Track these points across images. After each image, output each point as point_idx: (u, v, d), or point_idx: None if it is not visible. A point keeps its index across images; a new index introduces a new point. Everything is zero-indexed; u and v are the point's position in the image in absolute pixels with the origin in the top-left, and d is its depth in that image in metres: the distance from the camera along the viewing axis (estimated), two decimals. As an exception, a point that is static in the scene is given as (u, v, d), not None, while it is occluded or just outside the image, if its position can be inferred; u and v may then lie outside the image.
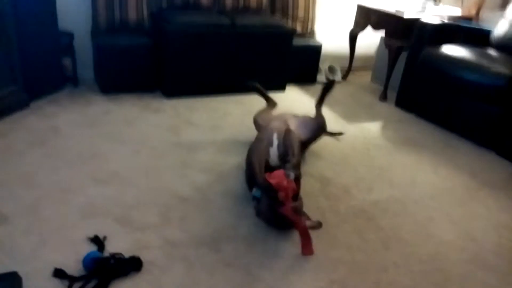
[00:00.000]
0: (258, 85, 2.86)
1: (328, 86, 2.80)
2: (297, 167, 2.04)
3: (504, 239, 2.04)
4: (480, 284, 1.75)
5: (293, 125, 2.45)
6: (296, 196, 1.87)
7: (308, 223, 1.94)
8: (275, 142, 2.17)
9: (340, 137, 2.96)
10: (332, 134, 2.94)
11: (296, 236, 1.88)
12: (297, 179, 1.90)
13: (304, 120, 2.55)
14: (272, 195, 1.77)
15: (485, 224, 2.14)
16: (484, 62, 2.98)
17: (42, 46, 2.93)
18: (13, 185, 2.06)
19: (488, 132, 2.96)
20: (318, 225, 1.95)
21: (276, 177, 1.79)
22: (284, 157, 2.08)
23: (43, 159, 2.30)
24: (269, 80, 3.62)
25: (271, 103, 2.83)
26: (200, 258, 1.73)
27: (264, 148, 2.16)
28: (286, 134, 2.20)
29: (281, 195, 1.75)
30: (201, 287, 1.59)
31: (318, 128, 2.58)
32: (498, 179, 2.60)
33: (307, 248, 1.77)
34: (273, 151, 2.14)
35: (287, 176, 1.83)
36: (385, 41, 3.79)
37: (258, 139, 2.28)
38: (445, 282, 1.73)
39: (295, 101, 3.53)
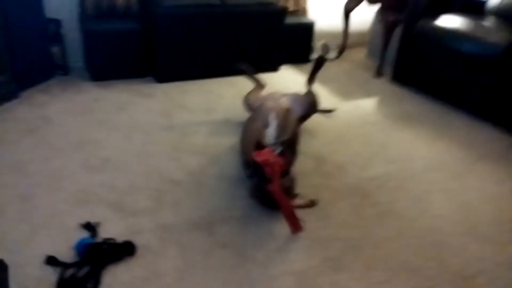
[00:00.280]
0: (247, 67, 2.82)
1: (319, 62, 2.75)
2: (288, 144, 2.01)
3: (501, 211, 2.02)
4: (476, 255, 1.74)
5: (285, 104, 2.42)
6: (285, 173, 1.84)
7: (301, 202, 1.93)
8: (273, 123, 2.13)
9: (335, 114, 2.92)
10: (324, 112, 2.90)
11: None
12: (285, 154, 1.87)
13: (295, 97, 2.52)
14: (259, 172, 1.75)
15: (481, 196, 2.13)
16: (480, 32, 2.93)
17: (29, 35, 2.88)
18: (4, 174, 2.05)
19: (484, 103, 2.92)
20: (311, 204, 1.94)
21: (263, 155, 1.77)
22: (282, 140, 2.03)
23: (35, 148, 2.28)
24: (261, 61, 3.58)
25: (259, 85, 2.79)
26: (193, 241, 1.72)
27: (257, 129, 2.13)
28: (286, 114, 2.16)
29: (268, 170, 1.72)
30: (196, 269, 1.58)
31: (310, 104, 2.54)
32: (495, 150, 2.57)
33: (294, 226, 1.76)
34: (270, 132, 2.10)
35: (273, 151, 1.80)
36: (380, 15, 3.73)
37: (251, 119, 2.25)
38: (441, 255, 1.72)
39: (289, 81, 3.48)
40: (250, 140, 2.04)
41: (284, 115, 2.17)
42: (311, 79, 2.74)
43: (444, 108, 3.13)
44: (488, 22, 3.11)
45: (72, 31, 3.28)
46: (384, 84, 3.58)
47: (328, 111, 2.93)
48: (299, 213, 1.85)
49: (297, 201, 1.93)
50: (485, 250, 1.77)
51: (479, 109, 2.97)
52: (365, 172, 2.27)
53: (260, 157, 1.76)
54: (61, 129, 2.49)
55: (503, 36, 2.82)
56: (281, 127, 2.11)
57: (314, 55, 4.06)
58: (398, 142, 2.61)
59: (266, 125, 2.14)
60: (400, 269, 1.64)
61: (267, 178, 1.74)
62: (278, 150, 1.84)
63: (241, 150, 2.14)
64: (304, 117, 2.51)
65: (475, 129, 2.84)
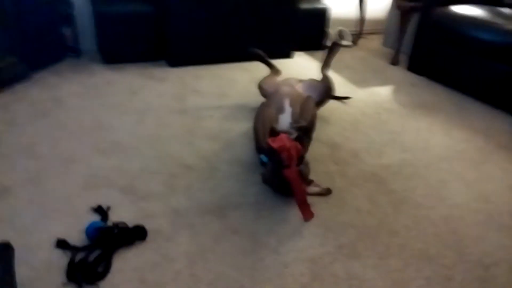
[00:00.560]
0: (260, 52, 2.76)
1: (333, 48, 2.69)
2: (305, 130, 1.97)
3: (520, 201, 1.97)
4: (496, 245, 1.68)
5: (300, 90, 2.38)
6: (301, 159, 1.80)
7: (316, 189, 1.89)
8: (288, 109, 2.09)
9: (350, 101, 2.87)
10: (339, 98, 2.85)
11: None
12: (301, 140, 1.83)
13: (310, 83, 2.47)
14: (276, 158, 1.71)
15: (499, 185, 2.07)
16: (498, 20, 2.85)
17: (41, 16, 2.86)
18: (15, 156, 2.04)
19: (502, 93, 2.84)
20: (327, 192, 1.91)
21: (279, 140, 1.73)
22: (298, 126, 1.99)
23: (46, 131, 2.26)
24: (275, 47, 3.53)
25: (274, 70, 2.74)
26: (205, 226, 1.69)
27: (271, 114, 2.09)
28: (307, 101, 2.12)
29: (284, 155, 1.68)
30: (207, 254, 1.56)
31: (325, 90, 2.49)
32: (514, 140, 2.51)
33: (306, 213, 1.71)
34: (285, 118, 2.06)
35: (289, 135, 1.76)
36: (397, 2, 3.64)
37: (265, 105, 2.21)
38: (459, 244, 1.68)
39: (302, 68, 3.43)
40: (263, 126, 2.00)
41: (302, 102, 2.13)
42: (325, 65, 2.68)
43: (461, 97, 3.05)
44: (506, 11, 3.01)
45: (84, 13, 3.26)
46: (400, 72, 3.51)
47: (345, 98, 2.88)
48: (314, 200, 1.82)
49: (313, 189, 1.89)
50: (504, 240, 1.72)
51: (496, 99, 2.90)
52: (380, 160, 2.22)
53: (276, 142, 1.72)
54: (73, 111, 2.47)
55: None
56: (296, 114, 2.07)
57: (329, 41, 4.00)
58: (413, 130, 2.55)
59: (280, 111, 2.10)
60: (416, 257, 1.60)
61: (282, 164, 1.70)
62: (294, 136, 1.80)
63: (254, 135, 2.10)
64: (320, 102, 2.46)
65: (492, 118, 2.77)
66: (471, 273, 1.54)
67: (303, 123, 1.98)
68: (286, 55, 3.65)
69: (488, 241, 1.71)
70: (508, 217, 1.85)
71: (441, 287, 1.48)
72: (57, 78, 2.88)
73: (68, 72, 2.99)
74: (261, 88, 2.54)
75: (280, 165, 1.71)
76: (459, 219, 1.82)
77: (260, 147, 1.93)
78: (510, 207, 1.91)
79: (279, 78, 2.67)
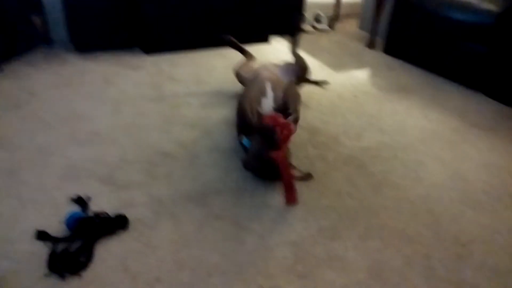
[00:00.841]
0: (232, 38, 2.74)
1: (297, 28, 2.69)
2: (295, 123, 1.98)
3: (494, 178, 2.02)
4: (471, 222, 1.74)
5: (277, 73, 2.38)
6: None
7: (298, 174, 1.90)
8: (270, 93, 2.09)
9: (328, 86, 2.88)
10: (317, 83, 2.87)
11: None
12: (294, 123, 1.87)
13: (285, 66, 2.48)
14: (269, 134, 1.71)
15: (475, 164, 2.12)
16: (472, 0, 2.88)
17: (9, 5, 2.76)
18: (-11, 150, 1.99)
19: (476, 73, 2.90)
20: (308, 177, 1.92)
21: (273, 118, 1.75)
22: (282, 111, 1.98)
23: (20, 122, 2.21)
24: (252, 32, 3.51)
25: (248, 56, 2.73)
26: (187, 213, 1.69)
27: (255, 96, 2.08)
28: (290, 88, 2.11)
29: (279, 130, 1.70)
30: (190, 241, 1.56)
31: (300, 69, 2.50)
32: (487, 120, 2.57)
33: (290, 198, 1.73)
34: (267, 102, 2.05)
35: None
36: (371, -16, 3.65)
37: (248, 88, 2.19)
38: (436, 223, 1.72)
39: (280, 52, 3.42)
40: (251, 107, 1.99)
41: (286, 89, 2.11)
42: (294, 46, 2.67)
43: (437, 79, 3.10)
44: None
45: (54, 0, 3.16)
46: (376, 55, 3.54)
47: (322, 83, 2.89)
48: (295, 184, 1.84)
49: (297, 174, 1.90)
50: (480, 217, 1.77)
51: (472, 79, 2.95)
52: (359, 143, 2.25)
53: (271, 120, 1.74)
54: (47, 102, 2.42)
55: (496, 4, 2.78)
56: (278, 99, 2.06)
57: (307, 26, 4.00)
58: (391, 112, 2.59)
59: (262, 95, 2.09)
60: (396, 237, 1.64)
61: (275, 142, 1.70)
62: (292, 118, 1.81)
63: (238, 117, 2.09)
64: (298, 83, 2.46)
65: (467, 99, 2.83)
66: (448, 251, 1.59)
67: (294, 114, 1.97)
68: (264, 40, 3.63)
69: (465, 219, 1.76)
70: (484, 195, 1.91)
71: (420, 265, 1.52)
72: (28, 68, 2.80)
73: (39, 62, 2.91)
74: (238, 74, 2.53)
75: (272, 144, 1.71)
76: (436, 199, 1.86)
77: (249, 127, 1.89)
78: (485, 185, 1.97)
79: (254, 64, 2.66)
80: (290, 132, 1.76)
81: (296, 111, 2.02)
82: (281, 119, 1.77)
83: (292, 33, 2.69)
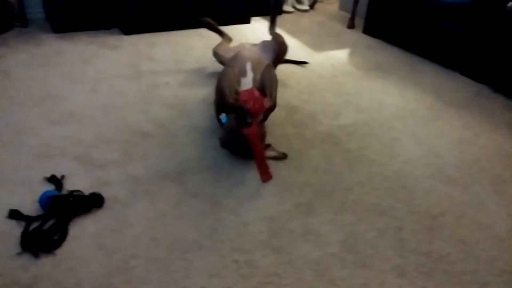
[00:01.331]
0: (210, 20, 2.71)
1: (276, 5, 2.67)
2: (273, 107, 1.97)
3: (466, 154, 2.06)
4: (443, 196, 1.78)
5: (257, 53, 2.37)
6: (265, 118, 1.83)
7: (272, 153, 1.91)
8: (250, 73, 2.07)
9: (307, 65, 2.88)
10: (297, 63, 2.87)
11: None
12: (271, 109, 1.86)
13: (264, 45, 2.47)
14: (242, 110, 1.72)
15: (448, 141, 2.16)
16: (450, -20, 2.90)
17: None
18: (-39, 130, 1.95)
19: (453, 53, 2.93)
20: (283, 156, 1.93)
21: (249, 93, 1.77)
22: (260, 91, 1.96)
23: (-7, 103, 2.17)
24: (233, 12, 3.47)
25: (226, 38, 2.71)
26: (164, 191, 1.69)
27: (234, 75, 2.06)
28: (267, 71, 2.07)
29: (250, 104, 1.71)
30: (167, 219, 1.56)
31: (279, 46, 2.49)
32: (462, 98, 2.61)
33: (264, 174, 1.74)
34: (247, 82, 2.04)
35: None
36: (351, -36, 3.64)
37: (228, 66, 2.16)
38: (409, 197, 1.76)
39: (261, 33, 3.40)
40: (229, 85, 1.97)
41: (266, 73, 2.08)
42: (272, 24, 2.66)
43: (414, 58, 3.13)
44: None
45: (28, -21, 3.09)
46: (356, 35, 3.55)
47: (303, 63, 2.89)
48: (272, 162, 1.85)
49: (270, 153, 1.91)
50: (451, 191, 1.81)
51: (448, 59, 2.99)
52: (337, 121, 2.27)
53: (245, 93, 1.77)
54: (21, 82, 2.37)
55: (474, -17, 2.79)
56: (257, 79, 2.05)
57: (288, 7, 3.97)
58: (369, 91, 2.61)
59: (242, 74, 2.08)
60: (369, 211, 1.67)
61: (247, 118, 1.71)
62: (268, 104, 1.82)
63: (217, 95, 2.08)
64: (277, 60, 2.45)
65: (443, 78, 2.86)
66: (419, 224, 1.63)
67: (271, 101, 1.94)
68: (245, 21, 3.60)
69: (436, 193, 1.80)
70: (456, 170, 1.95)
71: (392, 237, 1.55)
72: (3, 48, 2.74)
73: (14, 42, 2.84)
74: (216, 54, 2.52)
75: (244, 121, 1.71)
76: (410, 174, 1.90)
77: (226, 104, 1.88)
78: (458, 161, 2.01)
79: (232, 44, 2.64)
80: (262, 107, 1.76)
81: (273, 97, 1.99)
82: (256, 94, 1.78)
83: (271, 12, 2.66)
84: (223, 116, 1.97)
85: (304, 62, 2.90)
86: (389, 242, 1.53)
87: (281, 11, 2.73)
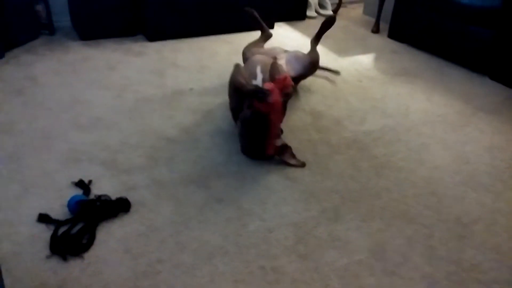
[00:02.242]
0: (255, 13, 2.69)
1: (329, 22, 2.63)
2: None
3: (497, 160, 2.00)
4: (474, 203, 1.73)
5: (283, 60, 2.35)
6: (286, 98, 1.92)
7: (292, 161, 1.90)
8: (259, 76, 2.07)
9: (337, 74, 2.82)
10: (330, 70, 2.81)
11: (288, 171, 1.85)
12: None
13: (296, 55, 2.43)
14: (261, 92, 1.77)
15: (478, 147, 2.10)
16: (479, -17, 2.84)
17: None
18: (-8, 135, 2.00)
19: (481, 57, 2.86)
20: (301, 165, 1.90)
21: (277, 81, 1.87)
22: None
23: (22, 108, 2.22)
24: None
25: (265, 33, 2.69)
26: (189, 196, 1.69)
27: (245, 70, 2.08)
28: (273, 67, 2.08)
29: (280, 82, 1.83)
30: (192, 223, 1.56)
31: (310, 64, 2.45)
32: (492, 103, 2.54)
33: (270, 148, 1.85)
34: (257, 84, 2.04)
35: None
36: (376, -32, 3.61)
37: (237, 68, 2.16)
38: (439, 204, 1.71)
39: (284, 38, 3.39)
40: (240, 78, 2.00)
41: (272, 69, 2.08)
42: (317, 38, 2.63)
43: (441, 62, 3.07)
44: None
45: (57, -12, 3.16)
46: (381, 40, 3.50)
47: (334, 72, 2.83)
48: (298, 169, 1.86)
49: (289, 160, 1.90)
50: (482, 198, 1.76)
51: (476, 63, 2.92)
52: (362, 126, 2.24)
53: (269, 85, 1.85)
54: (49, 89, 2.42)
55: (503, -14, 2.73)
56: (266, 81, 2.04)
57: (311, 12, 3.96)
58: (395, 96, 2.57)
59: (252, 77, 2.08)
60: (398, 218, 1.63)
61: (265, 99, 1.76)
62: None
63: (230, 100, 2.13)
64: (304, 75, 2.43)
65: (471, 82, 2.79)
66: (450, 231, 1.58)
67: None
68: (268, 26, 3.59)
69: (467, 200, 1.75)
70: (486, 176, 1.89)
71: (421, 245, 1.51)
72: (31, 56, 2.80)
73: (42, 49, 2.91)
74: (244, 55, 2.50)
75: (264, 100, 1.76)
76: (439, 180, 1.85)
77: (245, 92, 1.88)
78: (489, 167, 1.95)
79: (265, 45, 2.63)
80: (290, 85, 1.87)
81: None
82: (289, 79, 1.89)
83: (322, 28, 2.64)
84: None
85: (336, 72, 2.83)
86: (418, 250, 1.49)
87: (329, 29, 2.69)
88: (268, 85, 1.84)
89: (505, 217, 1.66)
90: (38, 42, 3.02)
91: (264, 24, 2.72)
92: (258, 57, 2.23)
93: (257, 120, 1.80)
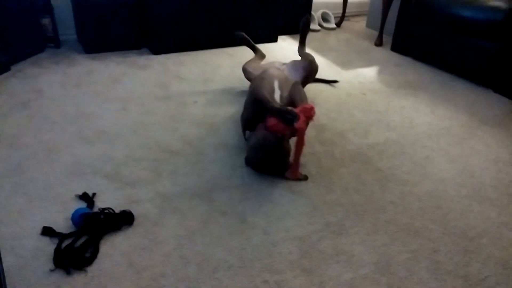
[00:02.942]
0: (245, 35, 2.74)
1: (305, 24, 2.66)
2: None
3: (503, 174, 1.99)
4: (480, 217, 1.71)
5: (285, 72, 2.37)
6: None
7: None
8: (277, 91, 2.06)
9: (335, 83, 2.87)
10: (327, 82, 2.86)
11: (292, 184, 1.85)
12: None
13: (293, 64, 2.46)
14: (291, 114, 1.78)
15: (483, 160, 2.09)
16: (481, -4, 2.86)
17: (18, 6, 2.79)
18: (-3, 148, 2.00)
19: (485, 70, 2.86)
20: (304, 178, 1.90)
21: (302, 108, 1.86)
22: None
23: (27, 121, 2.23)
24: (260, 31, 3.51)
25: (259, 54, 2.72)
26: (193, 209, 1.69)
27: (270, 85, 2.06)
28: (295, 87, 2.07)
29: (307, 110, 1.82)
30: (195, 236, 1.56)
31: (309, 64, 2.47)
32: (496, 116, 2.53)
33: (295, 172, 1.87)
34: (275, 98, 2.04)
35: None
36: (378, -18, 3.64)
37: (259, 79, 2.15)
38: (444, 218, 1.70)
39: (288, 51, 3.41)
40: (266, 93, 1.98)
41: (292, 88, 2.08)
42: (302, 44, 2.66)
43: (445, 76, 3.08)
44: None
45: (63, 2, 3.19)
46: (384, 53, 3.52)
47: (332, 82, 2.87)
48: (296, 183, 1.87)
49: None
50: (488, 212, 1.74)
51: (480, 76, 2.92)
52: (366, 139, 2.23)
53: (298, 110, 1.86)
54: (54, 101, 2.44)
55: (505, 0, 2.74)
56: (284, 97, 2.04)
57: (314, 25, 3.99)
58: (399, 109, 2.57)
59: (272, 91, 2.07)
60: (403, 232, 1.62)
61: (292, 123, 1.77)
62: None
63: (244, 111, 2.11)
64: (307, 77, 2.44)
65: (476, 95, 2.79)
66: (456, 245, 1.57)
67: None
68: (272, 39, 3.63)
69: (473, 214, 1.73)
70: (492, 190, 1.88)
71: (427, 259, 1.50)
72: (37, 68, 2.83)
73: (48, 62, 2.93)
74: (245, 71, 2.53)
75: (290, 123, 1.78)
76: (444, 194, 1.84)
77: (271, 109, 1.86)
78: (494, 181, 1.94)
79: (263, 62, 2.66)
80: (314, 115, 1.86)
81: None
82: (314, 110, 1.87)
83: (301, 32, 2.66)
84: (248, 136, 1.99)
85: (334, 81, 2.88)
86: (424, 264, 1.48)
87: (308, 31, 2.73)
88: (297, 109, 1.81)
89: (511, 231, 1.64)
90: (43, 55, 3.04)
91: (255, 46, 2.75)
92: (273, 72, 2.21)
93: (280, 145, 1.81)
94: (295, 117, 1.76)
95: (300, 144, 1.82)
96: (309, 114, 1.82)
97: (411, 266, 1.47)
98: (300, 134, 1.80)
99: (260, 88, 2.01)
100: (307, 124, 1.83)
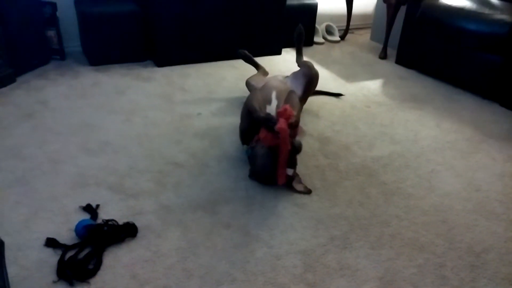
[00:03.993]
0: (248, 53, 2.77)
1: (299, 34, 2.69)
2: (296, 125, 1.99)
3: (509, 188, 1.98)
4: (486, 232, 1.69)
5: (285, 83, 2.38)
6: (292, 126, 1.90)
7: (298, 186, 1.89)
8: (274, 101, 2.08)
9: (340, 96, 2.87)
10: (332, 94, 2.85)
11: (296, 197, 1.84)
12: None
13: (294, 74, 2.48)
14: (271, 121, 1.81)
15: (489, 174, 2.08)
16: (485, 10, 2.86)
17: (25, 18, 2.82)
18: (2, 158, 2.00)
19: (490, 83, 2.86)
20: (308, 191, 1.89)
21: (283, 108, 1.88)
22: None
23: (32, 132, 2.23)
24: (264, 44, 3.52)
25: (261, 71, 2.75)
26: (196, 221, 1.68)
27: (262, 95, 2.10)
28: (290, 96, 2.12)
29: (283, 113, 1.82)
30: (199, 249, 1.55)
31: (308, 70, 2.47)
32: (502, 130, 2.52)
33: (281, 176, 1.82)
34: (271, 109, 2.06)
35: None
36: (383, -4, 3.65)
37: (254, 93, 2.19)
38: (449, 233, 1.68)
39: (292, 64, 3.41)
40: (256, 104, 2.04)
41: (288, 97, 2.12)
42: (299, 54, 2.68)
43: (450, 89, 3.07)
44: (493, 0, 3.03)
45: (68, 14, 3.22)
46: (389, 66, 3.52)
47: (337, 95, 2.87)
48: (300, 196, 1.85)
49: (296, 186, 1.89)
50: (494, 227, 1.73)
51: (485, 90, 2.92)
52: (371, 152, 2.23)
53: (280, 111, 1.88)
54: (59, 113, 2.45)
55: (510, 14, 2.75)
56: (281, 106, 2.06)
57: (318, 38, 4.01)
58: (403, 122, 2.56)
59: (267, 102, 2.09)
60: (408, 246, 1.60)
61: (273, 129, 1.79)
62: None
63: (241, 121, 2.15)
64: (310, 84, 2.45)
65: (481, 109, 2.79)
66: (462, 260, 1.55)
67: (293, 118, 1.96)
68: (276, 52, 3.64)
69: (479, 228, 1.72)
70: (498, 204, 1.86)
71: (433, 274, 1.48)
72: (42, 80, 2.84)
73: (53, 74, 2.95)
74: (249, 84, 2.54)
75: (272, 130, 1.79)
76: (449, 208, 1.83)
77: (257, 118, 1.93)
78: (500, 195, 1.93)
79: (266, 76, 2.68)
80: (291, 114, 1.85)
81: (296, 117, 2.03)
82: (287, 107, 1.88)
83: (296, 43, 2.69)
84: (246, 149, 2.02)
85: (339, 94, 2.88)
86: (429, 279, 1.46)
87: (304, 40, 2.77)
88: (278, 113, 1.88)
89: (518, 246, 1.63)
90: (49, 67, 3.06)
91: (257, 62, 2.81)
92: (274, 83, 2.25)
93: (269, 153, 1.83)
94: (274, 122, 1.79)
95: (283, 146, 1.79)
96: (286, 115, 1.84)
97: (417, 281, 1.45)
98: (282, 135, 1.79)
99: (250, 99, 2.08)
100: (290, 125, 1.83)
